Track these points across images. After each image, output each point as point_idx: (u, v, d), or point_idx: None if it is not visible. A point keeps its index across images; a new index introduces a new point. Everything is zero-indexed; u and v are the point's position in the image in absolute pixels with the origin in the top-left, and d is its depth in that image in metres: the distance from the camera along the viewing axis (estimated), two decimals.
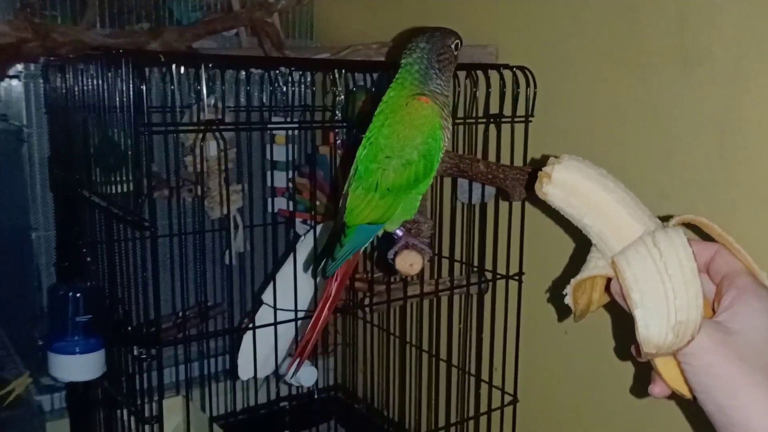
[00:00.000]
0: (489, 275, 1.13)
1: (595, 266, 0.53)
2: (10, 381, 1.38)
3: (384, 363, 1.36)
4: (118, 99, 0.83)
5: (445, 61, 0.71)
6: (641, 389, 1.06)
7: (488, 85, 1.07)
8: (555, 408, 1.18)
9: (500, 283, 1.12)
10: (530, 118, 1.08)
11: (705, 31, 0.91)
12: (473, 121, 1.10)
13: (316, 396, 1.38)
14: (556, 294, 1.14)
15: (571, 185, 0.52)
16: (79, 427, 1.26)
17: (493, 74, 1.07)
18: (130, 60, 0.78)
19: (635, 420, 1.05)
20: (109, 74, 0.87)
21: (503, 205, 1.10)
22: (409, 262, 0.68)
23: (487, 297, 1.15)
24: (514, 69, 1.07)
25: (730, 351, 0.47)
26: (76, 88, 1.02)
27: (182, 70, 0.95)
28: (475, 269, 1.16)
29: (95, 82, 0.93)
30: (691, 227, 0.57)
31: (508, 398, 1.15)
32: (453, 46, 0.72)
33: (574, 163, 0.53)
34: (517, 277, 1.11)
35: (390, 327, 1.33)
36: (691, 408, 0.51)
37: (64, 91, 1.09)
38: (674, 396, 0.52)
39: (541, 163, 0.75)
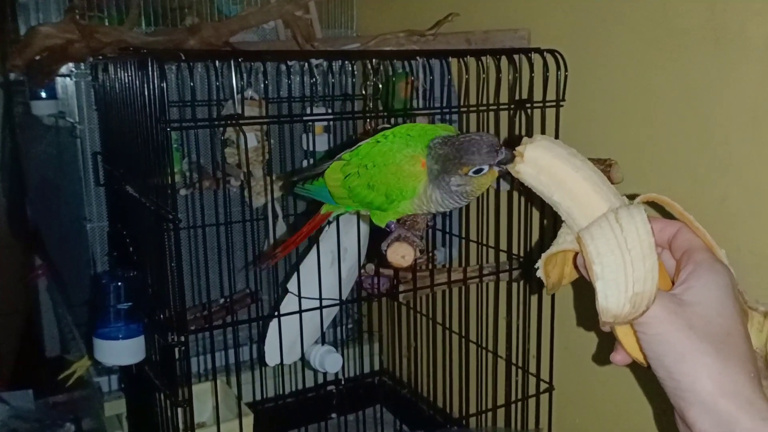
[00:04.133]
0: (521, 262, 1.12)
1: (564, 241, 0.56)
2: (73, 363, 1.47)
3: (428, 349, 1.37)
4: (146, 96, 0.86)
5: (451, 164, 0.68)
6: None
7: (516, 70, 1.05)
8: (591, 396, 1.16)
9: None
10: (561, 103, 1.06)
11: (736, 8, 0.87)
12: (504, 107, 1.08)
13: (343, 382, 1.41)
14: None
15: (542, 164, 0.56)
16: (133, 408, 1.33)
17: (523, 59, 1.05)
18: (152, 59, 0.81)
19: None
20: (140, 73, 0.91)
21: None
22: (400, 254, 0.69)
23: (522, 284, 1.14)
24: (544, 52, 1.05)
25: (681, 321, 0.49)
26: (117, 86, 1.07)
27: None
28: (515, 256, 1.15)
29: (129, 80, 0.97)
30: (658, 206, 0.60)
31: (543, 385, 1.14)
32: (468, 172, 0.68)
33: (546, 142, 0.56)
34: None
35: (430, 313, 1.34)
36: None
37: (108, 89, 1.15)
38: (634, 364, 0.55)
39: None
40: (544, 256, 0.58)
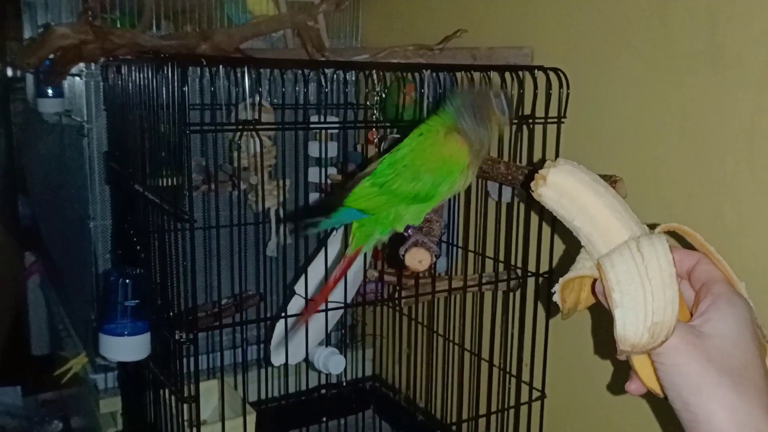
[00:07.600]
0: (519, 273, 1.15)
1: (582, 267, 0.57)
2: (69, 360, 1.48)
3: (422, 355, 1.39)
4: (164, 99, 0.89)
5: (482, 109, 0.77)
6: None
7: (519, 86, 1.09)
8: (582, 404, 1.19)
9: (530, 281, 1.14)
10: (563, 120, 1.09)
11: (735, 36, 0.91)
12: None
13: (345, 383, 1.43)
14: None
15: (564, 188, 0.56)
16: (129, 405, 1.34)
17: (527, 76, 1.09)
18: (174, 63, 0.84)
19: (662, 417, 1.05)
20: (158, 76, 0.93)
21: (534, 204, 1.11)
22: (417, 259, 0.72)
23: (517, 294, 1.17)
24: (548, 70, 1.08)
25: (699, 353, 0.50)
26: (131, 88, 1.09)
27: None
28: (513, 267, 1.18)
29: (146, 83, 0.99)
30: (677, 236, 0.60)
31: (536, 393, 1.17)
32: (495, 99, 0.78)
33: (569, 167, 0.56)
34: (546, 275, 1.13)
35: (425, 320, 1.36)
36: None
37: (120, 90, 1.17)
38: (649, 394, 0.55)
39: None
40: (561, 280, 0.58)
